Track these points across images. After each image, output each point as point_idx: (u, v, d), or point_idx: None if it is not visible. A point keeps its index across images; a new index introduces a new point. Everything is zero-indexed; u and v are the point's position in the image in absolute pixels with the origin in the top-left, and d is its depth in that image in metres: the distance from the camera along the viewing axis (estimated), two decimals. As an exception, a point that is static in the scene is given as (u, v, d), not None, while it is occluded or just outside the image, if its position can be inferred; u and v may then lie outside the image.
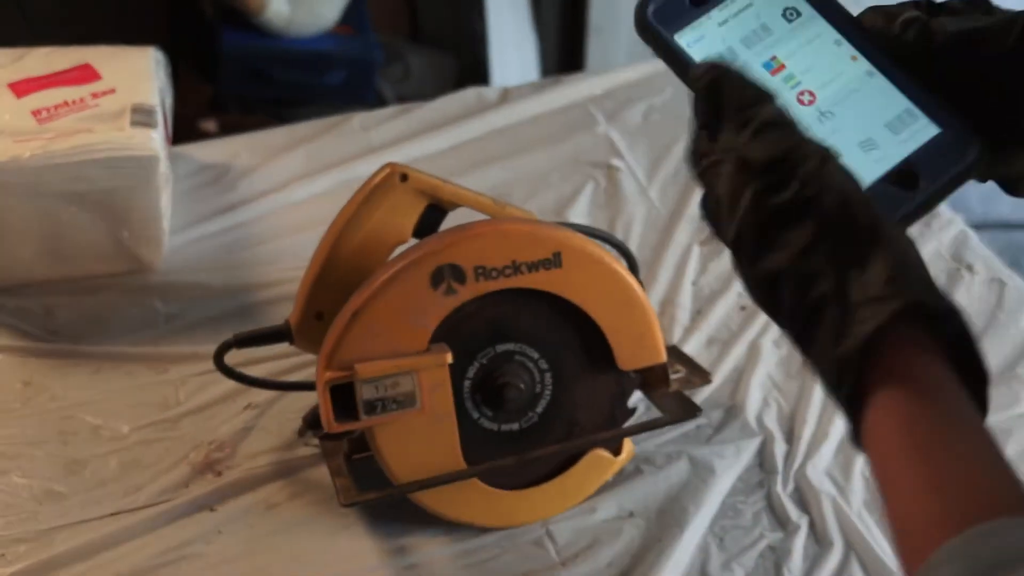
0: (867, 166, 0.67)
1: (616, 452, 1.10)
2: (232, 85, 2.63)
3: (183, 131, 2.56)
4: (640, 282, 1.06)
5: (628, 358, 1.06)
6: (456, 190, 1.09)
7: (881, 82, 0.69)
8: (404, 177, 1.07)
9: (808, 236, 0.61)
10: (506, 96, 1.66)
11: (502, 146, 1.58)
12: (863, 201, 0.61)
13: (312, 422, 1.13)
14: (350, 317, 0.99)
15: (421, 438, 1.02)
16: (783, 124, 0.62)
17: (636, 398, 1.12)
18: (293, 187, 1.49)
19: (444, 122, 1.60)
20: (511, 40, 2.93)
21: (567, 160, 1.56)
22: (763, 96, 0.63)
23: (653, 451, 1.15)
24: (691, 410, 1.09)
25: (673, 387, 1.11)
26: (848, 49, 0.70)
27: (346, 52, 2.66)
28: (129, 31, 2.63)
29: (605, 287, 1.03)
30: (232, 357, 1.15)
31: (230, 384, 1.19)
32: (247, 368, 1.17)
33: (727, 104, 0.63)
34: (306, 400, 1.16)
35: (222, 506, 1.09)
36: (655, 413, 1.11)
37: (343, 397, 0.99)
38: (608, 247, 1.08)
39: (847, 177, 0.61)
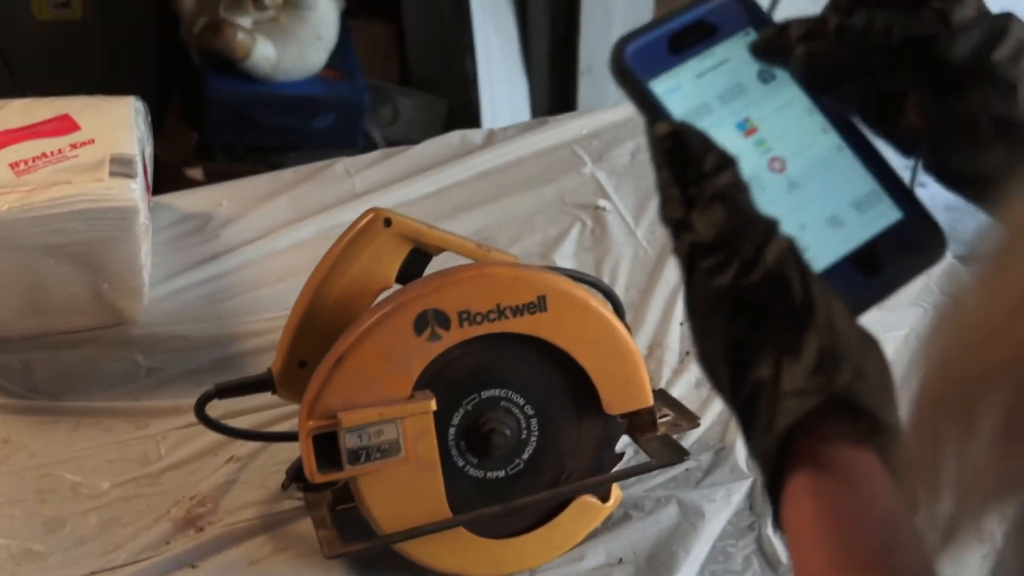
0: (832, 244, 0.65)
1: (604, 498, 1.09)
2: (218, 131, 2.63)
3: (170, 179, 2.56)
4: (627, 325, 1.05)
5: (615, 402, 1.04)
6: (440, 234, 1.08)
7: (850, 159, 0.67)
8: (388, 222, 1.06)
9: (745, 325, 0.60)
10: (491, 138, 1.65)
11: (487, 189, 1.57)
12: (803, 286, 0.60)
13: (296, 474, 1.11)
14: (333, 364, 0.97)
15: (406, 487, 1.00)
16: (734, 198, 0.61)
17: (624, 443, 1.10)
18: (276, 235, 1.48)
19: (429, 166, 1.59)
20: (501, 82, 2.93)
21: (553, 202, 1.55)
22: (722, 164, 0.62)
23: (642, 496, 1.13)
24: (679, 454, 1.08)
25: (661, 431, 1.10)
26: (820, 120, 0.68)
27: (334, 96, 2.66)
28: (117, 80, 2.65)
29: (591, 331, 1.02)
30: (215, 409, 1.14)
31: (212, 437, 1.17)
32: (230, 420, 1.16)
33: (688, 169, 0.62)
34: (290, 452, 1.14)
35: (204, 563, 1.07)
36: (644, 458, 1.09)
37: (326, 446, 0.98)
38: (593, 291, 1.07)
39: (789, 258, 0.60)
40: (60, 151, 1.30)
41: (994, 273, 0.40)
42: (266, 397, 1.15)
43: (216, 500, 1.13)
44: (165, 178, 2.60)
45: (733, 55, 0.68)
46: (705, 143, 0.62)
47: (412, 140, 1.67)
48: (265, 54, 2.54)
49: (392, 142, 2.72)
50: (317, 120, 2.65)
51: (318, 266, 1.07)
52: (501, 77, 2.92)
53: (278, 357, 1.08)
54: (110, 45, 2.71)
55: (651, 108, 0.66)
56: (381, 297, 1.05)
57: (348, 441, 0.97)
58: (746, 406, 0.61)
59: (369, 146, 2.72)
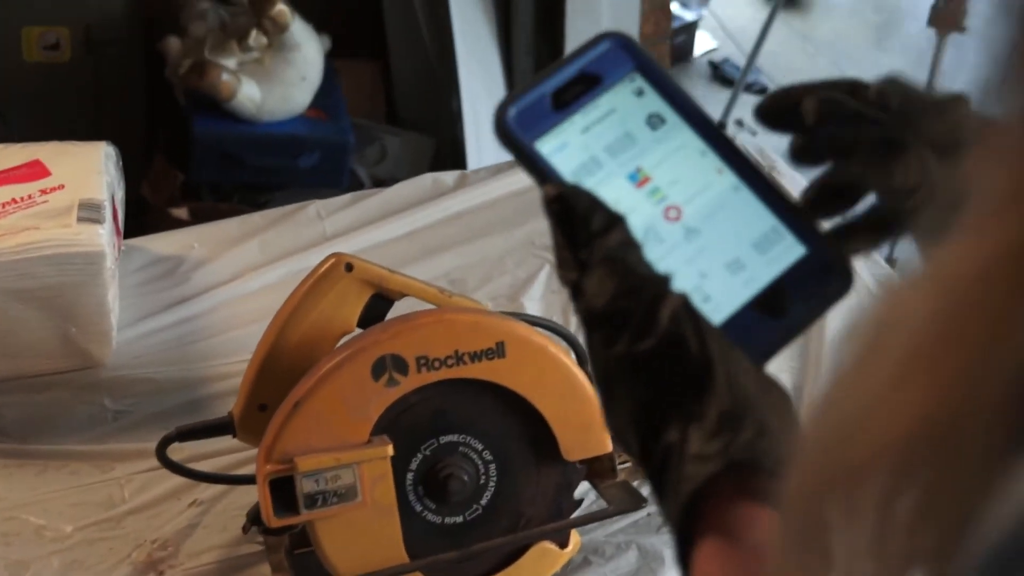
0: (734, 290, 0.63)
1: (563, 544, 1.09)
2: (204, 171, 2.64)
3: (156, 219, 2.58)
4: (587, 372, 1.05)
5: (573, 448, 1.05)
6: (402, 280, 1.08)
7: (747, 197, 0.65)
8: (349, 267, 1.07)
9: (647, 392, 0.59)
10: (463, 181, 1.66)
11: (458, 231, 1.58)
12: (699, 344, 0.58)
13: (256, 517, 1.12)
14: (290, 409, 0.98)
15: (363, 532, 1.01)
16: (623, 258, 0.60)
17: (584, 489, 1.11)
18: (246, 278, 1.48)
19: (400, 208, 1.60)
20: (487, 121, 2.94)
21: (522, 244, 1.56)
22: (609, 224, 0.60)
23: (602, 541, 1.14)
24: (637, 501, 1.08)
25: (620, 477, 1.11)
26: (714, 160, 0.66)
27: (318, 135, 2.68)
28: (105, 121, 2.67)
29: (549, 377, 1.03)
30: (180, 452, 1.15)
31: (176, 481, 1.18)
32: (195, 463, 1.17)
33: (576, 233, 0.60)
34: (253, 496, 1.14)
35: (163, 607, 1.07)
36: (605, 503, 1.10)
37: (283, 491, 0.98)
38: (556, 337, 1.08)
39: (683, 316, 0.59)
40: (30, 196, 1.31)
41: (863, 362, 0.40)
42: (231, 441, 1.16)
43: (177, 544, 1.13)
44: (150, 218, 2.63)
45: (619, 104, 0.66)
46: (592, 203, 0.61)
47: (399, 179, 1.68)
48: (250, 94, 2.56)
49: (379, 181, 2.73)
50: (302, 159, 2.67)
51: (280, 310, 1.09)
52: (487, 116, 2.93)
53: (239, 401, 1.09)
54: (98, 86, 2.73)
55: (539, 170, 0.63)
56: (343, 342, 1.06)
57: (305, 486, 0.98)
58: (657, 472, 0.59)
59: (355, 185, 2.74)
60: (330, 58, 2.77)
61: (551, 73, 0.65)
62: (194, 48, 2.61)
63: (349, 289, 1.08)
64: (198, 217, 2.51)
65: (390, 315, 1.08)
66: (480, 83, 2.92)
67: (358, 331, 1.07)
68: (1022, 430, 0.35)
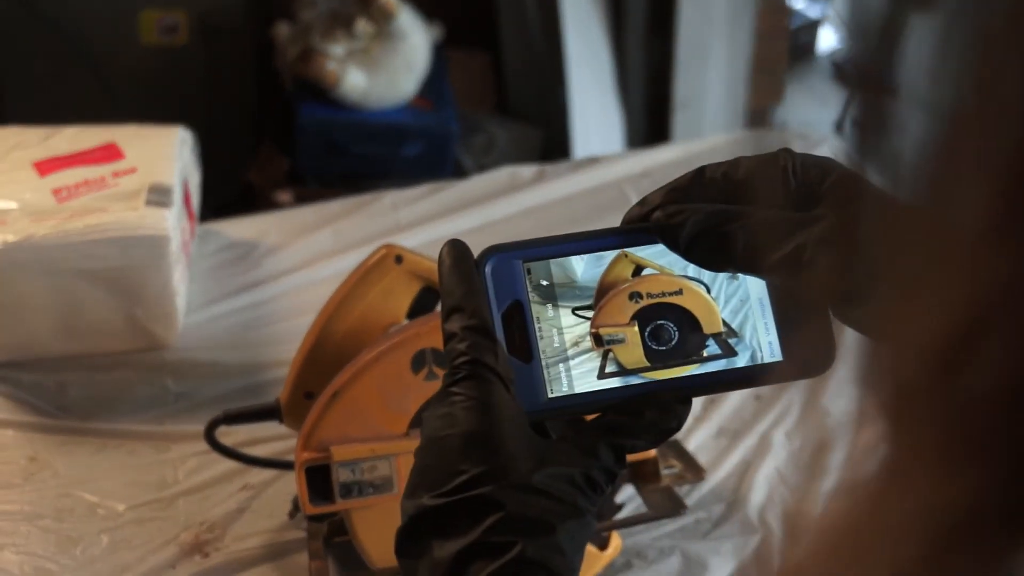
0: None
1: (602, 546, 1.07)
2: (309, 158, 2.66)
3: (259, 201, 2.62)
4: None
5: (615, 449, 1.03)
6: (452, 274, 1.08)
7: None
8: (399, 259, 1.08)
9: None
10: (541, 175, 1.65)
11: (530, 226, 1.56)
12: None
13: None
14: (329, 398, 0.99)
15: (398, 523, 1.00)
16: None
17: (630, 492, 1.10)
18: (317, 265, 1.49)
19: (475, 201, 1.59)
20: (594, 114, 2.93)
21: (596, 241, 1.54)
22: None
23: (646, 545, 1.12)
24: (676, 507, 1.06)
25: (664, 482, 1.09)
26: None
27: (423, 124, 2.68)
28: (216, 105, 2.71)
29: (592, 376, 1.01)
30: (235, 436, 1.16)
31: (228, 465, 1.19)
32: (252, 447, 1.18)
33: None
34: (300, 482, 1.15)
35: (204, 589, 1.08)
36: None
37: (320, 479, 0.99)
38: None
39: None
40: (102, 179, 1.34)
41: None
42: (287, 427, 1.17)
43: (225, 527, 1.14)
44: (253, 200, 2.66)
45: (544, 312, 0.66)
46: None
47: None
48: (355, 82, 2.57)
49: (485, 169, 2.73)
50: (406, 148, 2.68)
51: (329, 299, 1.09)
52: (595, 109, 2.92)
53: (286, 387, 1.09)
54: (212, 71, 2.77)
55: None
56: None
57: (340, 475, 0.98)
58: None
59: (460, 174, 2.74)
60: (441, 48, 2.77)
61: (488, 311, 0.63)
62: (302, 35, 2.63)
63: (398, 281, 1.08)
64: (302, 202, 2.54)
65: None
66: (589, 76, 2.90)
67: (407, 323, 1.06)
68: None
